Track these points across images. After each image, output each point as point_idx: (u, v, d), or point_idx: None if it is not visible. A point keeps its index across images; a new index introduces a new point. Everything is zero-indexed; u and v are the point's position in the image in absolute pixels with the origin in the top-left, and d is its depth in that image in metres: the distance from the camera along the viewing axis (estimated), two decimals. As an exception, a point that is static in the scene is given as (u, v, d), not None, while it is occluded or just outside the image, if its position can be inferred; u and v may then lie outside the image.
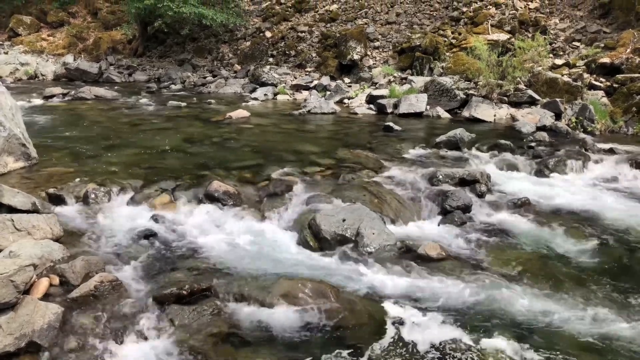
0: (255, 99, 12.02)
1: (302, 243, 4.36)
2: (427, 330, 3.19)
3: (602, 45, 10.97)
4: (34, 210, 4.27)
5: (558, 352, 3.01)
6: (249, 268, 3.89)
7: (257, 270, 3.85)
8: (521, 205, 5.33)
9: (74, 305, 3.20)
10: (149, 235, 4.26)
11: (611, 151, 7.17)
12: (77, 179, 5.16)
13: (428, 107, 10.05)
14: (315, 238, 4.34)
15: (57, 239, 3.96)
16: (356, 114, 10.31)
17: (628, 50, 10.23)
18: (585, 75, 10.13)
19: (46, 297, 3.24)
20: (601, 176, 6.43)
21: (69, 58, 16.72)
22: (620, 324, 3.30)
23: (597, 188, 6.06)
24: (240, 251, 4.19)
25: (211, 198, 4.96)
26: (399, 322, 3.27)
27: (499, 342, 3.07)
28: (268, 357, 2.97)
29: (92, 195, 4.85)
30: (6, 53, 16.62)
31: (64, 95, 11.64)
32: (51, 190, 4.84)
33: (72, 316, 3.10)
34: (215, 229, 4.54)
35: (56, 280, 3.40)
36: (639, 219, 5.06)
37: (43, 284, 3.28)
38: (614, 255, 4.32)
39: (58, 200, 4.78)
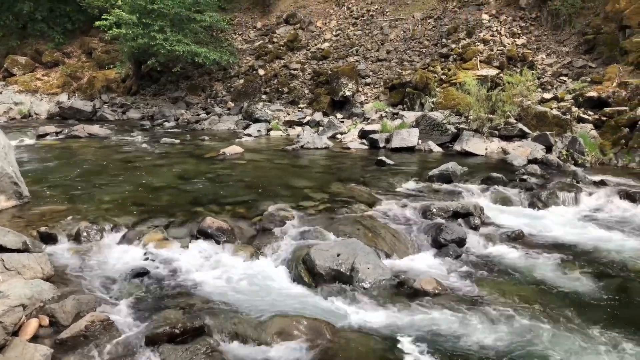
0: (249, 135, 12.13)
1: (297, 279, 4.31)
2: (424, 367, 3.14)
3: (589, 79, 11.22)
4: (25, 250, 4.21)
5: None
6: (243, 305, 3.84)
7: (251, 308, 3.80)
8: (515, 238, 5.34)
9: (63, 346, 3.13)
10: (142, 273, 4.21)
11: (602, 183, 7.24)
12: (69, 217, 5.13)
13: (420, 141, 10.16)
14: (309, 273, 4.30)
15: (47, 278, 3.90)
16: (349, 148, 10.40)
17: (614, 84, 10.46)
18: (574, 108, 10.31)
19: (35, 338, 3.17)
20: (593, 208, 6.47)
21: (63, 97, 16.86)
22: (615, 355, 3.27)
23: (589, 220, 6.08)
24: (234, 288, 4.14)
25: (204, 234, 4.93)
26: (395, 357, 3.22)
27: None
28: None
29: (84, 234, 4.82)
30: (0, 93, 16.73)
31: (57, 133, 11.68)
32: (42, 229, 4.80)
33: (61, 358, 3.03)
34: (208, 266, 4.49)
35: (46, 320, 3.33)
36: (631, 251, 5.07)
37: (32, 325, 3.22)
38: (608, 287, 4.30)
39: (49, 238, 4.73)
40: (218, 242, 4.86)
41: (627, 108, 9.54)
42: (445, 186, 6.98)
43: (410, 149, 9.97)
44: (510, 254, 5.00)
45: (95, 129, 12.11)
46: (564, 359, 3.24)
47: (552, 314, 3.80)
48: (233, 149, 9.47)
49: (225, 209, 5.63)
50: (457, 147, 9.89)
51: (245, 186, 6.79)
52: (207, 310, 3.71)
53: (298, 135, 11.30)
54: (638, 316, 3.83)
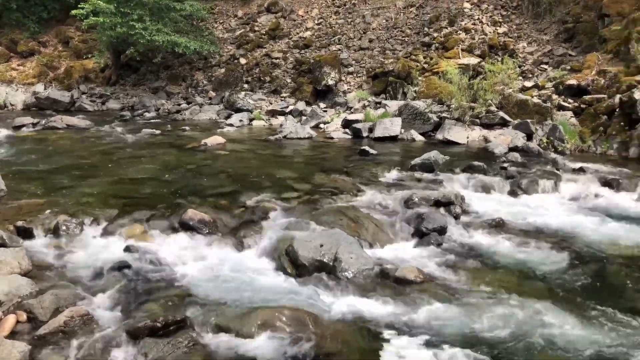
0: (231, 125, 12.03)
1: (280, 270, 4.31)
2: (408, 355, 3.17)
3: (569, 67, 11.34)
4: (1, 245, 4.14)
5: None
6: (226, 297, 3.83)
7: (234, 300, 3.79)
8: (496, 226, 5.40)
9: (42, 342, 3.09)
10: (122, 266, 4.16)
11: (581, 170, 7.34)
12: (48, 211, 5.04)
13: (402, 130, 10.19)
14: (293, 264, 4.31)
15: (25, 273, 3.85)
16: (332, 138, 10.39)
17: (593, 72, 10.58)
18: (554, 96, 10.42)
19: (13, 334, 3.13)
20: (572, 195, 6.56)
21: (39, 87, 16.52)
22: (595, 337, 3.35)
23: (568, 207, 6.18)
24: (217, 280, 4.12)
25: (186, 227, 4.89)
26: (380, 348, 3.24)
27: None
28: (246, 389, 2.91)
29: (63, 227, 4.75)
30: (-26, 83, 16.35)
31: (35, 124, 11.45)
32: (20, 223, 4.72)
33: (40, 354, 2.99)
34: (190, 258, 4.46)
35: (23, 316, 3.29)
36: (609, 236, 5.18)
37: (9, 321, 3.18)
38: (586, 272, 4.38)
39: (27, 233, 4.65)
40: (200, 235, 4.83)
41: (605, 96, 9.67)
42: (427, 175, 7.02)
43: (393, 138, 10.00)
44: (490, 241, 5.06)
45: (74, 119, 11.90)
46: (546, 342, 3.29)
47: (533, 299, 3.84)
48: (215, 140, 9.40)
49: (207, 201, 5.59)
50: (439, 135, 9.95)
51: (228, 177, 6.75)
52: (189, 303, 3.69)
53: (281, 125, 11.25)
54: (615, 298, 3.92)
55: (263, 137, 10.47)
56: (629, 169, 7.52)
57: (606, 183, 6.78)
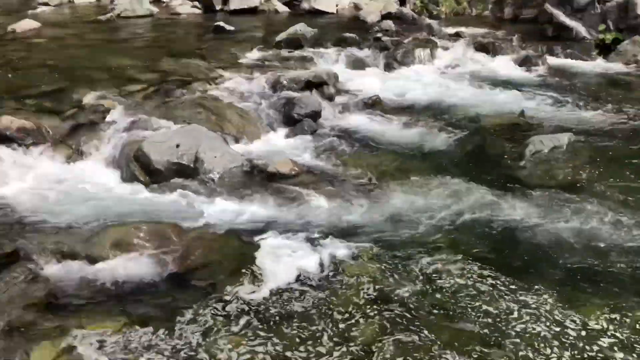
0: (46, 4, 10.95)
1: (130, 179, 4.16)
2: (285, 255, 3.28)
3: None
4: None
5: (420, 239, 3.35)
6: (67, 218, 3.63)
7: (77, 220, 3.61)
8: (372, 105, 5.61)
9: None
10: None
11: (457, 35, 7.75)
12: None
13: (263, 0, 9.92)
14: (145, 171, 4.17)
15: None
16: (179, 14, 9.97)
17: None
18: (427, -47, 10.58)
19: None
20: (449, 63, 7.01)
21: None
22: (482, 201, 3.75)
23: (446, 76, 6.62)
24: (52, 200, 3.88)
25: (3, 138, 4.43)
26: (256, 251, 3.31)
27: (361, 250, 3.26)
28: (104, 317, 2.84)
29: None
30: None
31: None
32: None
33: None
34: (13, 177, 4.13)
35: None
36: (486, 104, 5.68)
37: None
38: (466, 144, 4.81)
39: None
40: (23, 146, 4.43)
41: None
42: (295, 53, 7.01)
43: (253, 11, 9.78)
44: (367, 122, 5.29)
45: None
46: (425, 212, 3.63)
47: (417, 179, 4.13)
48: (26, 25, 8.58)
49: (27, 104, 5.09)
50: (305, 5, 9.88)
51: (50, 72, 6.14)
52: (19, 231, 3.46)
53: (112, 2, 10.44)
54: (496, 165, 4.41)
55: (91, 17, 9.72)
56: (504, 30, 8.10)
57: (482, 47, 7.28)
